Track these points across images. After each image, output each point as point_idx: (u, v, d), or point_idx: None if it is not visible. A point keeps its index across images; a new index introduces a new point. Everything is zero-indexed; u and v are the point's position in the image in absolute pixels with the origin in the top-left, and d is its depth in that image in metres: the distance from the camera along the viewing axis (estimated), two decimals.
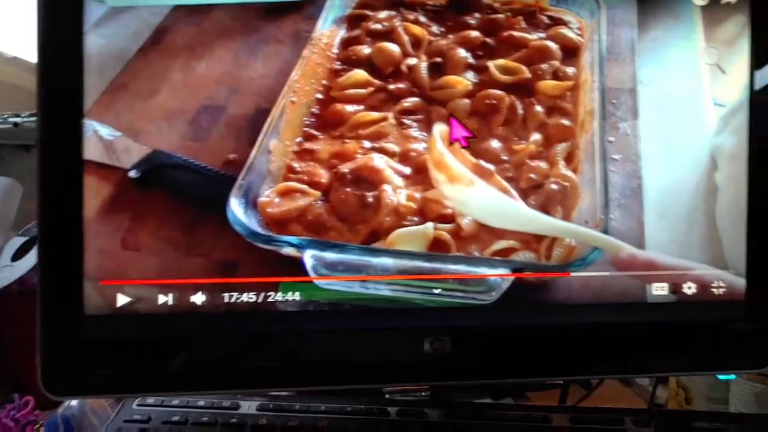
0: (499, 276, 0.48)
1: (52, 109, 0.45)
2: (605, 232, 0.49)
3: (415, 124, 0.49)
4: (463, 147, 0.49)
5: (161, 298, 0.46)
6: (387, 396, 0.54)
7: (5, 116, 0.74)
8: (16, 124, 0.73)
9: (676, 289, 0.50)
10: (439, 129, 0.49)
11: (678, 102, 0.51)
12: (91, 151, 0.45)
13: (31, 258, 0.66)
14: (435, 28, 0.51)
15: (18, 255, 0.68)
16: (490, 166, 0.49)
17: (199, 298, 0.46)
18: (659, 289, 0.50)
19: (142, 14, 0.46)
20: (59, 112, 0.45)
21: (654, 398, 0.67)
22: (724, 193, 0.51)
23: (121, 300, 0.46)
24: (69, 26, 0.45)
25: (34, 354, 0.44)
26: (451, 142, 0.49)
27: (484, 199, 0.48)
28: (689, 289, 0.51)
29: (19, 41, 1.25)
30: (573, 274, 0.49)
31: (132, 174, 0.46)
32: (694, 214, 0.51)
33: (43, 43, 0.45)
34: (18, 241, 0.69)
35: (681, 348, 0.52)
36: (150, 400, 0.52)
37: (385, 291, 0.48)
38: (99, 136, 0.45)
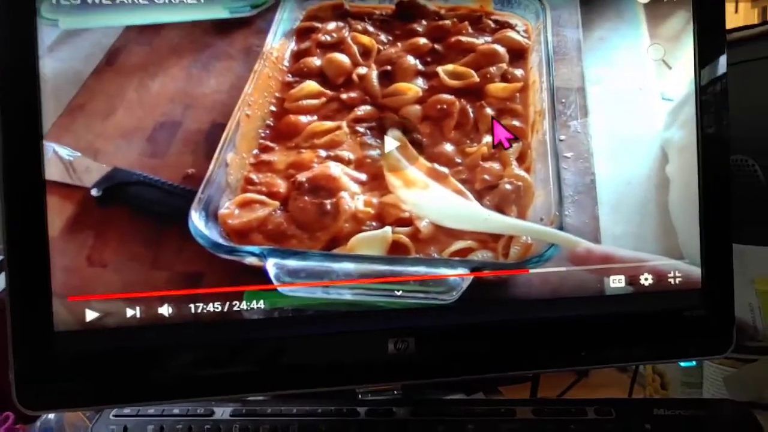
0: (458, 276, 0.50)
1: (12, 132, 0.46)
2: (560, 228, 0.51)
3: (368, 132, 0.50)
4: (506, 148, 0.50)
5: (129, 312, 0.47)
6: (359, 396, 0.55)
7: None
8: None
9: (633, 281, 0.52)
10: (393, 135, 0.50)
11: (626, 98, 0.52)
12: (52, 172, 0.46)
13: (1, 278, 0.67)
14: (383, 37, 0.52)
15: None
16: (444, 169, 0.50)
17: (166, 310, 0.47)
18: (616, 282, 0.52)
19: (95, 36, 0.47)
20: (19, 134, 0.46)
21: (633, 386, 0.68)
22: (675, 184, 0.52)
23: (90, 315, 0.47)
24: (24, 50, 0.46)
25: (8, 370, 0.45)
26: (494, 144, 0.50)
27: (439, 202, 0.50)
28: (646, 280, 0.52)
29: None
30: (531, 270, 0.51)
31: (93, 192, 0.47)
32: (648, 206, 0.52)
33: (0, 68, 0.46)
34: None
35: (642, 338, 0.53)
36: (126, 411, 0.53)
37: (347, 295, 0.49)
38: (59, 156, 0.46)
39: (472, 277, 0.50)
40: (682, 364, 0.67)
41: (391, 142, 0.50)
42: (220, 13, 0.48)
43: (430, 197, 0.50)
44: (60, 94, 0.46)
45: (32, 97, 0.46)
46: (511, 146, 0.51)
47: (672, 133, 0.52)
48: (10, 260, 0.46)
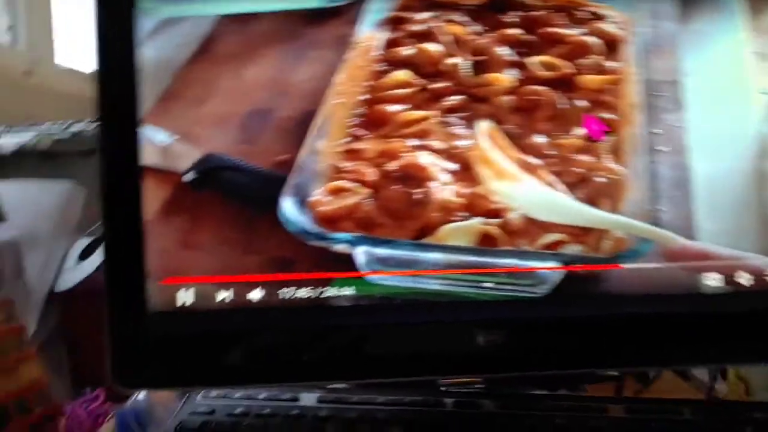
0: (549, 269, 0.49)
1: (111, 118, 0.47)
2: (655, 223, 0.49)
3: (459, 122, 0.50)
4: (599, 141, 0.50)
5: (220, 295, 0.48)
6: (442, 388, 0.55)
7: (65, 125, 0.77)
8: (76, 133, 0.76)
9: (729, 279, 0.50)
10: (483, 126, 0.50)
11: (723, 92, 0.51)
12: (149, 156, 0.47)
13: (96, 258, 0.69)
14: (475, 27, 0.51)
15: (84, 255, 0.71)
16: (536, 161, 0.50)
17: (256, 295, 0.48)
18: (712, 280, 0.50)
19: (191, 24, 0.48)
20: (118, 120, 0.47)
21: (712, 390, 0.66)
22: None
23: (182, 297, 0.48)
24: (123, 38, 0.47)
25: (102, 350, 0.47)
26: (587, 137, 0.50)
27: (531, 194, 0.49)
28: (743, 278, 0.50)
29: (74, 53, 1.30)
30: (623, 266, 0.49)
31: (187, 177, 0.48)
32: (746, 203, 0.50)
33: (101, 55, 0.47)
34: (85, 242, 0.72)
35: (736, 338, 0.51)
36: (213, 394, 0.54)
37: (435, 285, 0.49)
38: (155, 142, 0.47)
39: (563, 270, 0.49)
40: None
41: (483, 132, 0.49)
42: (314, 2, 0.49)
43: (523, 189, 0.49)
44: (157, 81, 0.47)
45: (131, 84, 0.47)
46: (604, 139, 0.50)
47: None
48: (108, 242, 0.47)
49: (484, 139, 0.49)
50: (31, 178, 0.73)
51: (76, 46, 1.26)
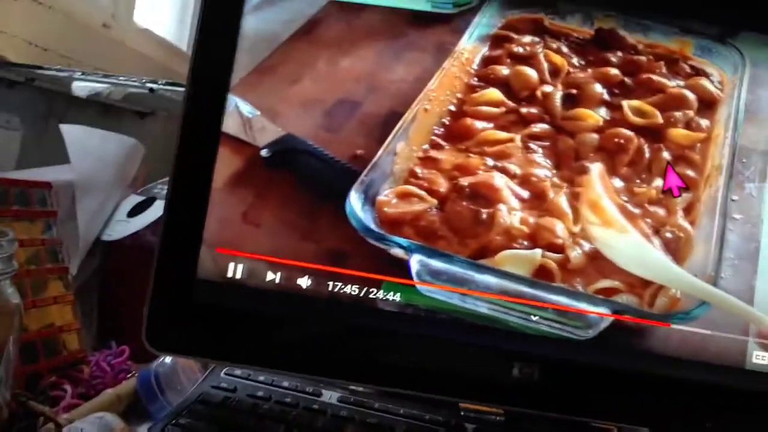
0: (599, 314, 0.48)
1: (202, 81, 0.47)
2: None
3: (540, 150, 0.50)
4: (675, 196, 0.49)
5: (269, 275, 0.47)
6: (462, 413, 0.54)
7: (143, 81, 0.78)
8: (152, 90, 0.77)
9: None
10: (597, 168, 0.49)
11: None
12: (230, 125, 0.47)
13: (145, 217, 0.69)
14: (576, 60, 0.51)
15: (133, 212, 0.71)
16: (636, 210, 0.49)
17: (305, 282, 0.47)
18: (760, 358, 0.49)
19: (300, 3, 0.48)
20: (208, 84, 0.47)
21: None
22: None
23: (232, 270, 0.47)
24: (231, 5, 0.47)
25: (139, 306, 0.46)
26: (664, 190, 0.49)
27: (633, 248, 0.48)
28: None
29: (153, 15, 1.32)
30: (673, 326, 0.49)
31: (263, 153, 0.48)
32: None
33: (205, 18, 0.47)
34: (135, 199, 0.73)
35: None
36: (237, 372, 0.54)
37: (483, 308, 0.48)
38: (240, 112, 0.48)
39: (612, 318, 0.48)
40: None
41: (597, 175, 0.49)
42: (423, 5, 0.49)
43: (626, 242, 0.48)
44: (254, 52, 0.48)
45: (229, 51, 0.47)
46: (680, 195, 0.49)
47: None
48: (172, 200, 0.48)
49: (597, 182, 0.49)
50: (97, 126, 0.73)
51: (156, 9, 1.28)
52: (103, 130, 0.72)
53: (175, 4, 1.37)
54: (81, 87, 0.75)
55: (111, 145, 0.71)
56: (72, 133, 0.69)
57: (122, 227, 0.69)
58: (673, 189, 0.49)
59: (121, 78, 0.77)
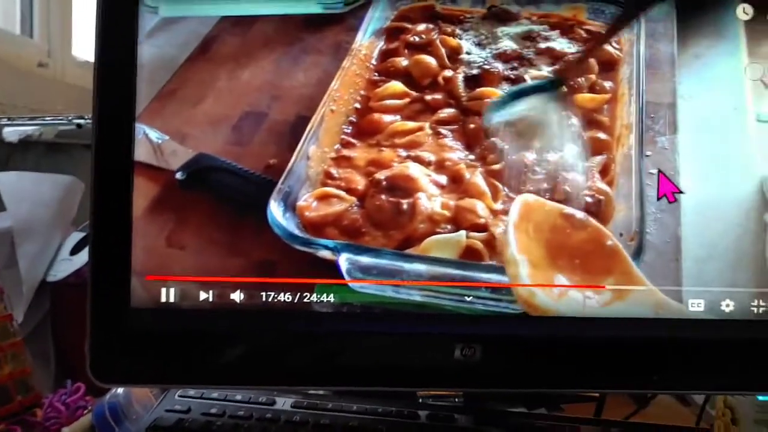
0: (530, 285, 0.49)
1: (107, 113, 0.48)
2: (640, 245, 0.49)
3: (450, 134, 0.50)
4: (670, 202, 0.50)
5: (202, 295, 0.48)
6: (420, 400, 0.55)
7: (70, 117, 0.78)
8: (79, 126, 0.77)
9: (713, 305, 0.50)
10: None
11: (719, 118, 0.51)
12: (141, 153, 0.48)
13: (87, 252, 0.69)
14: (472, 40, 0.52)
15: (76, 249, 0.71)
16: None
17: (238, 296, 0.48)
18: (696, 305, 0.50)
19: (192, 24, 0.49)
20: (113, 115, 0.48)
21: (702, 417, 0.66)
22: None
23: (165, 295, 0.48)
24: (124, 36, 0.47)
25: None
26: (659, 197, 0.50)
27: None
28: (727, 306, 0.50)
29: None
30: (607, 286, 0.49)
31: (178, 176, 0.48)
32: (736, 234, 0.50)
33: (101, 51, 0.48)
34: (77, 236, 0.73)
35: (719, 366, 0.51)
36: (191, 392, 0.54)
37: (416, 296, 0.49)
38: (149, 138, 0.48)
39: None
40: (760, 398, 0.64)
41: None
42: (313, 8, 0.49)
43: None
44: (154, 79, 0.48)
45: (129, 81, 0.48)
46: (675, 201, 0.50)
47: None
48: (95, 236, 0.48)
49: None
50: (34, 169, 0.73)
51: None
52: (37, 173, 0.72)
53: None
54: (11, 132, 0.75)
55: (46, 186, 0.71)
56: (5, 179, 0.69)
57: (66, 266, 0.69)
58: (668, 195, 0.50)
59: (47, 118, 0.77)
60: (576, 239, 0.48)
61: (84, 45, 1.29)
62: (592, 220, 0.48)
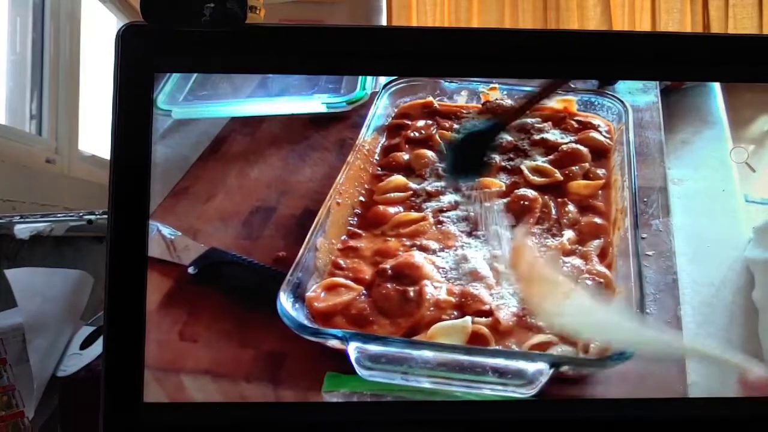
0: (538, 369, 0.50)
1: (122, 211, 0.49)
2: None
3: (452, 222, 0.52)
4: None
5: (215, 387, 0.49)
6: None
7: (81, 214, 0.80)
8: (90, 222, 0.79)
9: None
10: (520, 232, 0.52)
11: (709, 200, 0.53)
12: (155, 249, 0.49)
13: (97, 346, 0.70)
14: None
15: (86, 343, 0.72)
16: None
17: (250, 390, 0.49)
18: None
19: (203, 126, 0.51)
20: (128, 213, 0.49)
21: None
22: (765, 314, 0.51)
23: (178, 389, 0.48)
24: (139, 138, 0.50)
25: None
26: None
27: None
28: None
29: (97, 141, 1.34)
30: (612, 368, 0.50)
31: (191, 270, 0.50)
32: (734, 311, 0.51)
33: (116, 152, 0.50)
34: (87, 330, 0.73)
35: None
36: None
37: (426, 383, 0.49)
38: (162, 235, 0.50)
39: (550, 371, 0.50)
40: None
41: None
42: (318, 108, 0.52)
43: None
44: (167, 178, 0.50)
45: (143, 180, 0.50)
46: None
47: (758, 253, 0.52)
48: (109, 330, 0.49)
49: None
50: (43, 262, 0.75)
51: (101, 134, 1.31)
52: (47, 268, 0.74)
53: None
54: (22, 229, 0.77)
55: (57, 281, 0.72)
56: (16, 275, 0.70)
57: (76, 360, 0.69)
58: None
59: (59, 215, 0.79)
60: None
61: (90, 139, 1.32)
62: None
